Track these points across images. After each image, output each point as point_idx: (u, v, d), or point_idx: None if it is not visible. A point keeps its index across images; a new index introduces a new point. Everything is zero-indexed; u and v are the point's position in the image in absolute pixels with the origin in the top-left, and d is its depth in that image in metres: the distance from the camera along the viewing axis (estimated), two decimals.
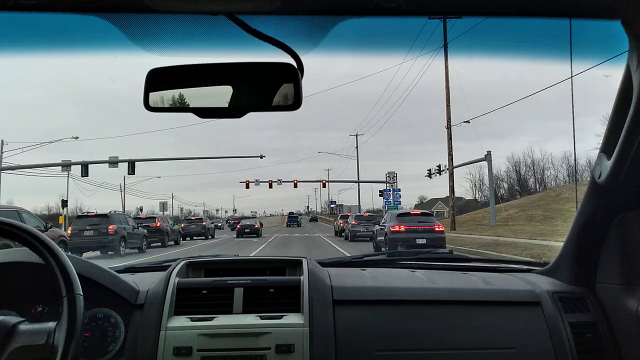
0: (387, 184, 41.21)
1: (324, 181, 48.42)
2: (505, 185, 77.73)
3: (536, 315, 1.72)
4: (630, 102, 1.28)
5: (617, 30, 1.12)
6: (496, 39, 1.24)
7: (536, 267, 2.14)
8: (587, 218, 1.72)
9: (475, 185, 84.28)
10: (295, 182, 45.44)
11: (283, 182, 46.11)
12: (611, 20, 1.09)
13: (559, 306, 1.73)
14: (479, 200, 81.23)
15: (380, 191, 43.21)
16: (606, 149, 1.46)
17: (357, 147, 61.55)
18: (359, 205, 62.33)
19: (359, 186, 61.13)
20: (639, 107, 1.26)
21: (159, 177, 66.03)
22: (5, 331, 1.25)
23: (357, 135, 63.04)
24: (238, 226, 37.56)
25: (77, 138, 40.45)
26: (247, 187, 44.97)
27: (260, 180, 46.19)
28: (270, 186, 44.68)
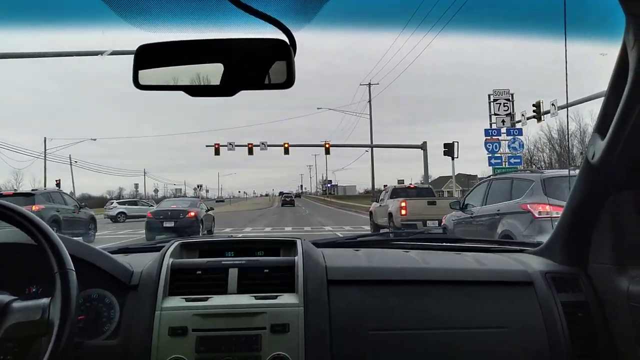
0: (494, 117, 20.53)
1: (327, 145, 32.93)
2: (545, 157, 57.40)
3: (529, 295, 1.73)
4: (625, 81, 1.27)
5: (614, 8, 1.10)
6: (492, 16, 1.22)
7: (529, 247, 2.15)
8: (580, 199, 1.72)
9: (504, 160, 67.28)
10: (285, 145, 31.64)
11: (269, 146, 32.18)
12: None
13: (552, 286, 1.75)
14: None
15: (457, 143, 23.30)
16: (600, 128, 1.46)
17: (369, 101, 45.34)
18: (373, 180, 48.50)
19: (372, 151, 45.45)
20: (634, 86, 1.25)
21: (94, 139, 52.78)
22: None
23: (369, 84, 45.85)
24: (149, 214, 19.07)
25: None
26: (217, 152, 31.74)
27: (237, 144, 32.19)
28: (250, 152, 31.77)
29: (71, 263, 1.30)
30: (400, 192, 18.05)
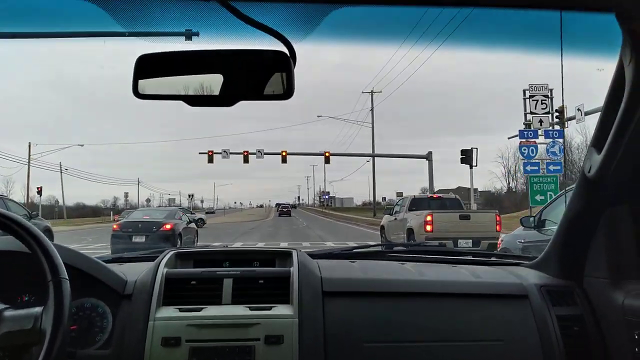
0: (530, 116, 17.03)
1: (327, 154, 31.20)
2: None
3: (524, 308, 1.73)
4: (622, 96, 1.29)
5: (611, 24, 1.12)
6: (488, 31, 1.23)
7: (525, 261, 2.15)
8: (576, 212, 1.73)
9: (509, 171, 59.33)
10: (283, 153, 30.67)
11: (266, 154, 30.79)
12: (605, 13, 1.09)
13: (547, 299, 1.75)
14: (515, 190, 57.46)
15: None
16: (597, 143, 1.47)
17: (372, 110, 44.24)
18: (374, 191, 48.35)
19: (373, 160, 44.84)
20: (630, 101, 1.27)
21: (82, 145, 51.68)
22: None
23: (372, 92, 44.52)
24: (114, 227, 15.62)
25: None
26: (210, 160, 30.33)
27: (231, 152, 30.65)
28: (246, 160, 30.22)
29: (65, 272, 1.29)
30: (420, 203, 14.72)
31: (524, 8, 1.06)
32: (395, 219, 15.47)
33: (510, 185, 60.21)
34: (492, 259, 2.30)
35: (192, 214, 38.90)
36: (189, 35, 1.16)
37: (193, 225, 17.77)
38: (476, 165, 22.49)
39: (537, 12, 1.09)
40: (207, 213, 41.05)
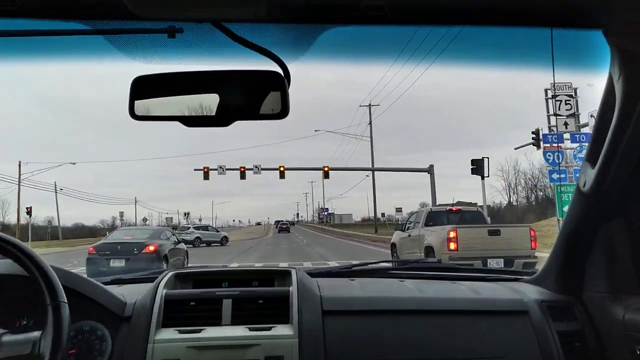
0: (555, 118, 14.96)
1: (326, 168, 30.25)
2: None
3: (524, 324, 1.72)
4: (613, 111, 1.30)
5: (600, 41, 1.13)
6: (480, 49, 1.25)
7: (524, 276, 2.14)
8: (573, 227, 1.73)
9: (509, 185, 57.61)
10: (281, 169, 29.63)
11: (263, 169, 30.36)
12: (593, 30, 1.11)
13: (547, 315, 1.74)
14: (516, 204, 56.13)
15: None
16: (590, 157, 1.48)
17: (370, 123, 43.18)
18: (375, 206, 46.13)
19: (373, 175, 43.99)
20: (622, 116, 1.28)
21: (74, 163, 46.37)
22: None
23: (370, 105, 43.42)
24: (90, 249, 13.56)
25: None
26: (207, 177, 29.70)
27: (227, 168, 30.05)
28: (243, 176, 29.82)
29: (64, 295, 1.29)
30: (438, 217, 12.91)
31: (514, 26, 1.07)
32: (409, 235, 13.69)
33: (511, 199, 58.52)
34: (491, 274, 2.29)
35: (217, 232, 38.36)
36: (172, 33, 1.14)
37: (182, 245, 16.13)
38: (488, 176, 20.82)
39: (527, 30, 1.10)
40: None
